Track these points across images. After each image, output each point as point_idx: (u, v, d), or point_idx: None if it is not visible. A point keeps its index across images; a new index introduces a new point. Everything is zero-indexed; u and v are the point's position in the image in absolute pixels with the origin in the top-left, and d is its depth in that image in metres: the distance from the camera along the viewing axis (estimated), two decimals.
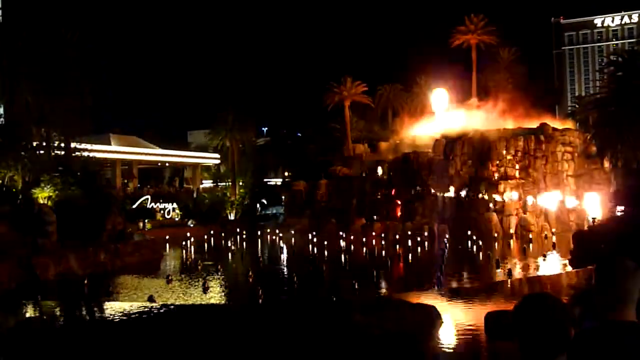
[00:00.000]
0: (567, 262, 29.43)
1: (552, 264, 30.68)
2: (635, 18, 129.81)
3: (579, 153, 48.43)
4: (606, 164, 43.08)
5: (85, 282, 27.03)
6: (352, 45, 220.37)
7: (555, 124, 55.38)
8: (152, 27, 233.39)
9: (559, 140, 49.81)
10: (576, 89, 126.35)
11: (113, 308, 18.88)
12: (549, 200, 44.54)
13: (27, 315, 19.01)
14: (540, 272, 27.91)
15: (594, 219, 37.00)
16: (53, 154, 40.01)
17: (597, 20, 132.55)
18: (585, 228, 35.97)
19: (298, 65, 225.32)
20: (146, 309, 17.71)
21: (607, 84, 36.89)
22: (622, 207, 29.96)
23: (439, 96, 61.40)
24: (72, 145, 41.86)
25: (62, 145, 42.12)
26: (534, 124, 52.87)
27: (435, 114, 60.97)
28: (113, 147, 63.45)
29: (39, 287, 26.68)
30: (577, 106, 71.34)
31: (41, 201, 34.01)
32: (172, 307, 19.66)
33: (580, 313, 4.30)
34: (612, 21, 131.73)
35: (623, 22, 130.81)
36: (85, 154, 40.87)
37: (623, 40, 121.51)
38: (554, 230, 40.55)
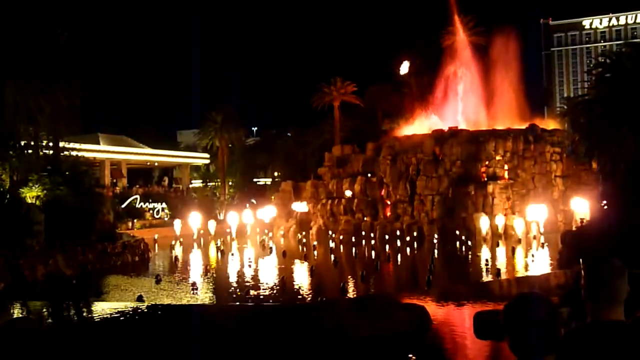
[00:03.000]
0: (555, 262, 29.59)
1: (541, 264, 30.82)
2: (622, 20, 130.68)
3: (567, 154, 48.67)
4: (594, 165, 43.25)
5: (74, 282, 26.93)
6: (342, 45, 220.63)
7: (544, 124, 55.63)
8: (142, 26, 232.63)
9: (547, 141, 50.04)
10: (565, 90, 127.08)
11: (102, 308, 18.81)
12: (538, 202, 44.66)
13: (15, 315, 18.89)
14: (529, 272, 28.02)
15: (582, 219, 37.17)
16: (41, 153, 39.78)
17: (586, 22, 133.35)
18: (574, 228, 36.13)
19: (288, 65, 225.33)
20: (135, 309, 17.65)
21: (595, 85, 37.02)
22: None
23: None
24: (61, 144, 41.62)
25: (51, 144, 41.86)
26: (522, 124, 53.11)
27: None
28: (102, 147, 63.23)
29: (27, 288, 26.56)
30: (565, 107, 71.66)
31: (29, 201, 33.80)
32: (161, 307, 19.60)
33: (569, 313, 4.32)
34: (600, 23, 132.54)
35: (611, 24, 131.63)
36: (74, 153, 40.67)
37: (611, 42, 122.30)
38: (542, 230, 40.72)
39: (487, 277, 26.95)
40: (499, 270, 27.49)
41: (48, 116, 44.05)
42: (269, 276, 29.95)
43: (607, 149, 32.19)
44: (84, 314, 19.07)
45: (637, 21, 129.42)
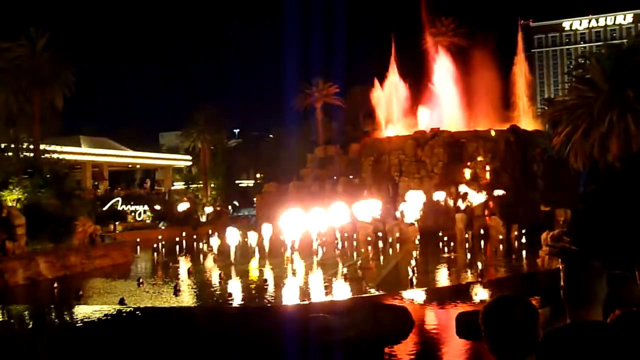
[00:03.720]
0: (537, 262, 29.78)
1: (522, 265, 31.00)
2: (602, 22, 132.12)
3: (548, 155, 49.02)
4: (575, 165, 43.64)
5: (55, 285, 26.72)
6: (323, 47, 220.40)
7: (525, 125, 56.00)
8: (123, 27, 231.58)
9: (528, 142, 50.40)
10: (545, 91, 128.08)
11: (83, 311, 18.70)
12: (519, 201, 44.96)
13: None
14: (510, 273, 28.19)
15: (562, 220, 37.48)
16: (22, 155, 39.48)
17: (566, 24, 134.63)
18: (555, 229, 36.38)
19: (270, 66, 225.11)
20: (117, 312, 17.57)
21: (575, 87, 37.37)
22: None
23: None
24: (42, 146, 41.32)
25: (31, 146, 41.54)
26: (504, 125, 53.44)
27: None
28: (83, 149, 62.81)
29: (7, 292, 26.33)
30: (546, 108, 72.16)
31: (10, 204, 33.52)
32: (143, 309, 19.52)
33: (550, 313, 4.37)
34: (580, 24, 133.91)
35: (590, 26, 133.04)
36: (55, 155, 40.37)
37: (590, 43, 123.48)
38: (523, 230, 40.93)
39: (469, 278, 27.08)
40: (481, 270, 27.62)
41: (29, 118, 43.72)
42: (252, 278, 29.91)
43: (587, 150, 32.52)
44: (66, 318, 18.95)
45: (616, 23, 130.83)
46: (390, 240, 41.91)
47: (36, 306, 22.10)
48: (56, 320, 19.07)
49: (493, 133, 51.26)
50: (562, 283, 3.54)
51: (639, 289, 4.30)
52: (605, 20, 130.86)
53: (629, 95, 30.84)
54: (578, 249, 21.86)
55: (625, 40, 57.65)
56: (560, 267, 3.61)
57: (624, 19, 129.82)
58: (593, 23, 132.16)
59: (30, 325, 18.41)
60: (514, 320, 3.04)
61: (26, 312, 20.42)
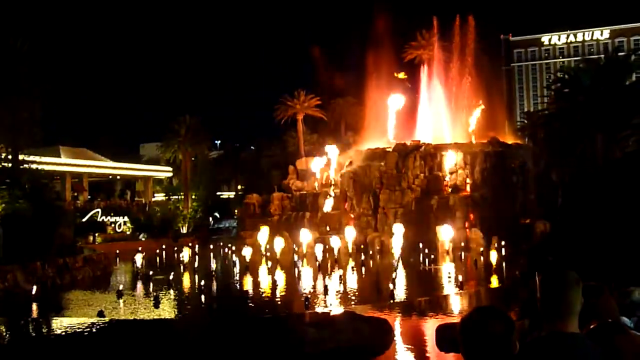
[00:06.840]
0: (516, 274, 29.94)
1: (502, 276, 31.15)
2: (580, 37, 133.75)
3: (527, 167, 49.46)
4: (554, 178, 44.05)
5: (33, 297, 26.42)
6: (305, 58, 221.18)
7: (505, 138, 56.51)
8: (104, 37, 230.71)
9: (508, 155, 50.81)
10: (525, 104, 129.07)
11: (61, 324, 18.49)
12: (498, 213, 45.25)
13: None
14: (490, 285, 28.31)
15: (541, 232, 37.74)
16: (0, 166, 39.05)
17: (545, 38, 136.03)
18: (534, 240, 36.65)
19: (252, 78, 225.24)
20: (96, 325, 17.38)
21: (554, 100, 37.87)
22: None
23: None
24: (20, 157, 40.92)
25: (10, 157, 41.11)
26: (484, 138, 53.86)
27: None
28: (63, 160, 62.32)
29: None
30: (526, 122, 72.85)
31: None
32: (122, 322, 19.36)
33: (529, 325, 4.40)
34: (559, 39, 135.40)
35: (569, 41, 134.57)
36: (34, 166, 40.00)
37: (569, 57, 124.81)
38: (503, 242, 41.17)
39: (449, 290, 27.16)
40: (461, 282, 27.73)
41: (7, 128, 43.28)
42: (231, 290, 29.80)
43: (565, 162, 32.88)
44: (43, 331, 18.73)
45: (594, 38, 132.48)
46: (371, 252, 41.96)
47: (13, 318, 21.80)
48: (33, 333, 18.84)
49: (473, 145, 51.64)
50: (538, 294, 3.58)
51: (614, 301, 4.35)
52: (583, 35, 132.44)
53: (606, 110, 31.27)
54: (554, 260, 22.01)
55: (602, 56, 58.50)
56: (537, 278, 3.65)
57: (601, 35, 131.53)
58: (571, 38, 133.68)
59: (7, 338, 18.17)
60: (491, 332, 3.07)
61: (2, 325, 20.14)
